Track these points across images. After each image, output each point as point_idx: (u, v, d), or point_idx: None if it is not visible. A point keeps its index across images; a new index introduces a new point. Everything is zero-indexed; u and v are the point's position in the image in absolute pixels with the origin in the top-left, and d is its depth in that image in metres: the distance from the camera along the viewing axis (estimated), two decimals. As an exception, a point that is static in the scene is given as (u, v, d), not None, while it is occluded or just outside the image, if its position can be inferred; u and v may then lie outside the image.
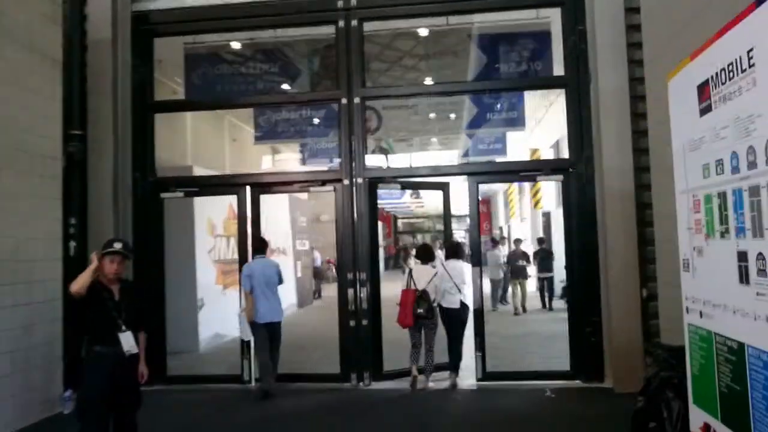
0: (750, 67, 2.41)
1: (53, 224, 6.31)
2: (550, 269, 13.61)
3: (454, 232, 34.33)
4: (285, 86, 8.38)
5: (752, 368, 2.49)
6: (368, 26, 7.29)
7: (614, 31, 6.39)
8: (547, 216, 17.21)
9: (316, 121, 8.63)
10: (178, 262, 9.01)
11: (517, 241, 12.78)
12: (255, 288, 6.59)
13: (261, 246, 7.01)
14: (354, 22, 7.11)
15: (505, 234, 22.58)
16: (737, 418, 2.67)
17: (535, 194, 18.27)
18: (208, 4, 7.36)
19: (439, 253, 8.71)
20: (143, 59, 7.47)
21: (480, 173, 7.39)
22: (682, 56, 3.43)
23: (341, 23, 7.15)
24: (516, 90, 7.85)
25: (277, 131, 8.96)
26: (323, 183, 7.39)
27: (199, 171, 9.11)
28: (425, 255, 7.06)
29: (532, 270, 13.22)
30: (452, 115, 11.99)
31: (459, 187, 20.87)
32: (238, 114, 13.28)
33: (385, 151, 15.12)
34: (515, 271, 12.25)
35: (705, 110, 2.98)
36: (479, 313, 7.00)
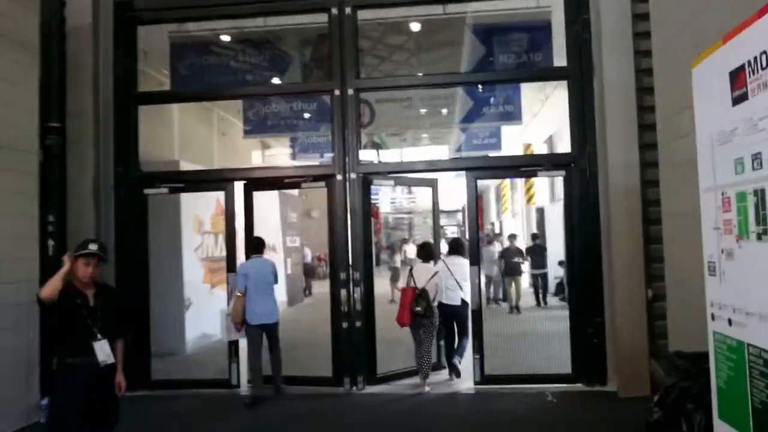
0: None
1: (29, 222, 5.96)
2: (543, 266, 13.45)
3: (444, 228, 33.96)
4: (275, 78, 8.06)
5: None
6: (363, 14, 6.97)
7: (620, 20, 6.12)
8: (540, 212, 17.02)
9: (307, 114, 8.33)
10: (163, 260, 8.70)
11: (512, 237, 12.47)
12: (250, 288, 6.40)
13: (259, 245, 6.81)
14: (348, 10, 6.80)
15: (497, 230, 22.39)
16: (776, 438, 2.42)
17: (528, 190, 18.07)
18: (194, -10, 7.03)
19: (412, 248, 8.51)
20: (126, 48, 7.11)
21: (478, 168, 7.10)
22: (696, 45, 3.17)
23: (334, 11, 6.84)
24: (516, 81, 7.58)
25: (267, 125, 8.65)
26: (315, 178, 7.08)
27: (186, 166, 8.76)
28: (426, 253, 6.88)
29: (526, 267, 12.97)
30: (445, 111, 11.73)
31: (449, 183, 20.68)
32: (227, 107, 12.92)
33: (377, 147, 14.81)
34: (510, 268, 11.92)
35: (739, 99, 2.70)
36: (478, 314, 6.73)
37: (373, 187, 7.03)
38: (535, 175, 6.78)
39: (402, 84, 7.44)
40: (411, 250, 17.34)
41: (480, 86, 8.27)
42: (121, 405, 4.02)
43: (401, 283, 6.80)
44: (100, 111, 6.79)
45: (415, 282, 6.57)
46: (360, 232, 6.81)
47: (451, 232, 37.46)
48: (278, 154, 15.51)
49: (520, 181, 20.81)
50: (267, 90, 7.54)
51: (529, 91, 10.73)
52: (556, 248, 14.57)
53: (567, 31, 6.66)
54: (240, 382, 6.90)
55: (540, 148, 15.46)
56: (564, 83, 11.37)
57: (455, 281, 6.80)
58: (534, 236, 14.37)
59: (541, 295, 13.06)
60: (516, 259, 11.95)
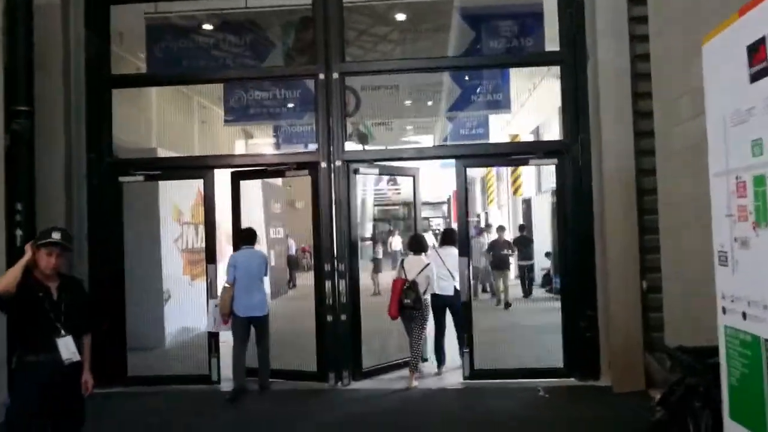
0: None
1: (-6, 210, 5.63)
2: (530, 257, 13.31)
3: (430, 219, 33.67)
4: (257, 63, 7.74)
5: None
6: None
7: (616, 4, 5.90)
8: (527, 203, 16.88)
9: (290, 101, 8.02)
10: (140, 251, 8.39)
11: (501, 229, 12.25)
12: (238, 280, 6.26)
13: (249, 236, 6.63)
14: (333, -10, 6.52)
15: (483, 222, 22.23)
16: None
17: (514, 181, 17.90)
18: (170, -33, 6.69)
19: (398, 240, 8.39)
20: (99, 28, 6.74)
21: (468, 156, 6.88)
22: (698, 27, 2.95)
23: (319, -10, 6.55)
24: (507, 66, 7.33)
25: (249, 113, 8.32)
26: (299, 166, 6.81)
27: (164, 154, 8.44)
28: (417, 245, 6.73)
29: (513, 259, 12.79)
30: (430, 102, 11.49)
31: (435, 173, 20.43)
32: (208, 94, 12.55)
33: (363, 137, 14.51)
34: (498, 261, 11.63)
35: (759, 75, 2.49)
36: (467, 307, 6.53)
37: (358, 177, 6.79)
38: (527, 164, 6.57)
39: (389, 68, 7.16)
40: (397, 241, 17.13)
41: (469, 73, 8.04)
42: (95, 402, 3.76)
43: (384, 275, 6.65)
44: (71, 94, 6.45)
45: (405, 274, 6.43)
46: (345, 223, 6.56)
47: (437, 224, 37.37)
48: (261, 144, 15.18)
49: (506, 172, 20.63)
50: (248, 73, 7.22)
51: (516, 81, 10.51)
52: (542, 239, 14.48)
53: (560, 14, 6.43)
54: (221, 378, 6.63)
55: (527, 139, 15.28)
56: (553, 72, 11.23)
57: (448, 271, 6.68)
58: (521, 227, 14.24)
59: (527, 287, 12.92)
60: (504, 252, 11.69)
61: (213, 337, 6.62)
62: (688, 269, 4.82)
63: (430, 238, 10.97)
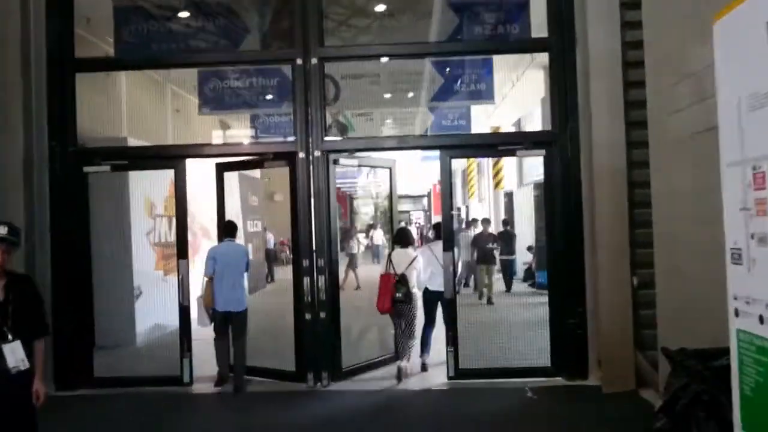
0: None
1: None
2: (512, 252, 13.13)
3: (410, 213, 33.46)
4: (232, 48, 7.36)
5: None
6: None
7: (607, -12, 5.67)
8: (509, 196, 16.71)
9: (268, 90, 7.66)
10: (109, 245, 8.06)
11: (485, 222, 11.99)
12: (218, 273, 6.17)
13: (230, 229, 6.56)
14: (311, -30, 6.18)
15: (463, 215, 22.08)
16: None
17: (496, 174, 17.71)
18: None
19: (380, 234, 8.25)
20: (61, 8, 6.32)
21: (453, 147, 6.60)
22: (696, 9, 2.70)
23: (296, -29, 6.21)
24: (492, 53, 7.05)
25: (225, 101, 7.93)
26: (276, 157, 6.48)
27: (135, 144, 8.04)
28: (403, 239, 6.71)
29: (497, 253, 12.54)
30: (411, 94, 11.20)
31: (415, 166, 20.13)
32: (182, 83, 12.06)
33: (343, 128, 14.17)
34: (483, 255, 11.34)
35: (782, 53, 2.24)
36: (452, 304, 6.28)
37: (338, 170, 6.49)
38: (514, 155, 6.32)
39: (370, 53, 6.83)
40: (378, 235, 16.83)
41: (451, 63, 7.74)
42: (58, 406, 3.41)
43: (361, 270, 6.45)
44: (30, 78, 6.06)
45: (394, 268, 6.37)
46: (324, 216, 6.25)
47: (417, 217, 37.18)
48: (238, 136, 14.74)
49: (487, 166, 20.47)
50: (222, 58, 6.83)
51: (499, 72, 10.28)
52: (524, 233, 14.33)
53: (548, -1, 6.18)
54: (193, 379, 6.30)
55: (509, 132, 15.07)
56: (537, 63, 11.00)
57: (441, 266, 6.45)
58: (505, 222, 14.06)
59: (508, 281, 12.73)
60: (490, 246, 11.39)
61: (185, 336, 6.30)
62: (684, 264, 4.61)
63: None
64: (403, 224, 9.67)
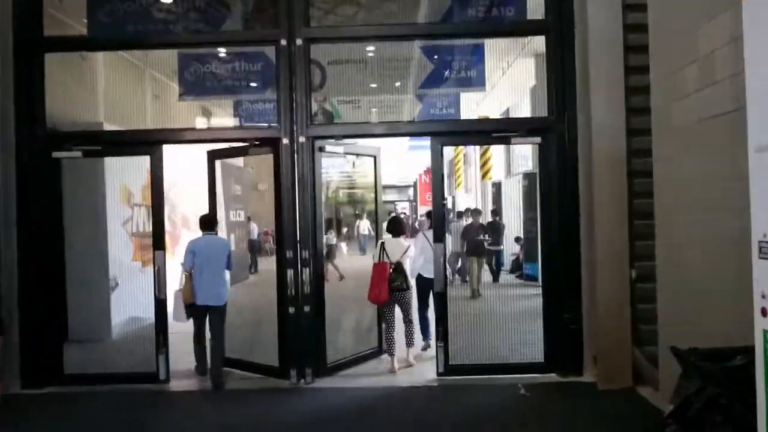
0: None
1: None
2: (500, 242, 12.91)
3: (396, 203, 33.18)
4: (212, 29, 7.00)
5: None
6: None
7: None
8: (497, 186, 16.50)
9: (252, 75, 7.32)
10: (83, 235, 7.77)
11: (476, 213, 11.69)
12: (197, 267, 5.99)
13: (210, 222, 6.37)
14: (295, -56, 5.84)
15: (450, 206, 21.84)
16: None
17: (484, 164, 17.49)
18: None
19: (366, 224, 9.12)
20: (29, -17, 5.93)
21: (445, 133, 6.33)
22: None
23: (279, -55, 5.86)
24: (486, 36, 6.78)
25: (206, 86, 7.58)
26: (258, 143, 6.17)
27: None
28: (396, 228, 6.68)
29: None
30: (398, 83, 10.89)
31: (401, 156, 19.80)
32: (162, 68, 11.64)
33: (328, 116, 13.84)
34: (474, 246, 10.98)
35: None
36: (443, 297, 6.03)
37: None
38: (509, 142, 6.06)
39: (358, 35, 6.50)
40: (364, 225, 16.52)
41: (442, 48, 7.46)
42: (23, 405, 3.10)
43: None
44: (-6, 57, 5.67)
45: (388, 256, 6.31)
46: (309, 205, 5.96)
47: (402, 207, 36.91)
48: (222, 124, 14.35)
49: (474, 156, 20.24)
50: (201, 39, 6.47)
51: (488, 60, 10.02)
52: (512, 224, 14.13)
53: (546, -23, 5.90)
54: (169, 376, 6.00)
55: (497, 122, 14.84)
56: (528, 51, 10.71)
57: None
58: (494, 212, 13.85)
59: (496, 272, 12.49)
60: (480, 237, 11.05)
61: (161, 332, 5.99)
62: (687, 257, 4.39)
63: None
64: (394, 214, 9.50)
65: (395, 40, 6.57)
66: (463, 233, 10.93)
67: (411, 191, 35.95)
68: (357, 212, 19.82)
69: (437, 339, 6.00)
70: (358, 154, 7.10)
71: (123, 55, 10.51)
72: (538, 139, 5.91)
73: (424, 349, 6.87)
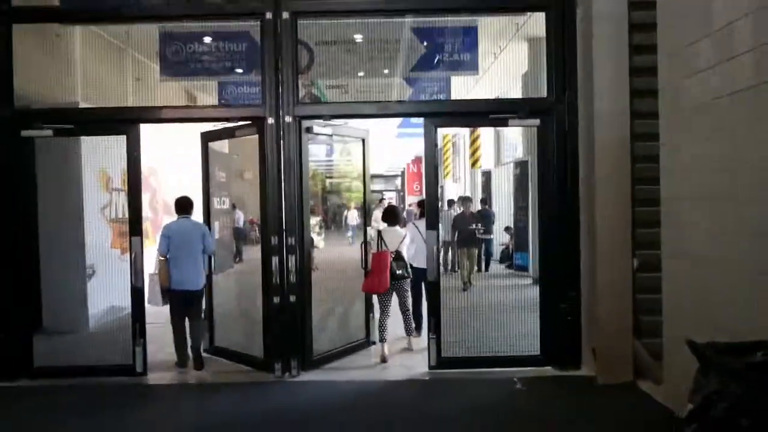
0: None
1: None
2: (489, 231, 12.67)
3: (383, 193, 32.83)
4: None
5: None
6: None
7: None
8: (487, 175, 16.28)
9: (236, 55, 6.97)
10: (59, 221, 7.52)
11: (467, 201, 11.37)
12: (172, 251, 5.95)
13: (184, 206, 6.26)
14: None
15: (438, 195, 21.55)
16: None
17: (474, 152, 17.24)
18: None
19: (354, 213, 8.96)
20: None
21: (439, 114, 6.05)
22: None
23: None
24: (483, 12, 6.55)
25: (189, 67, 7.23)
26: (242, 122, 5.84)
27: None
28: (393, 217, 6.73)
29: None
30: (387, 70, 10.57)
31: (389, 143, 19.46)
32: (144, 49, 11.23)
33: (316, 99, 13.50)
34: (465, 237, 10.57)
35: None
36: (436, 288, 5.75)
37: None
38: (506, 124, 5.77)
39: (347, 8, 6.13)
40: (353, 215, 16.21)
41: (433, 26, 7.16)
42: None
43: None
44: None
45: (386, 245, 6.34)
46: (296, 189, 5.65)
47: (389, 198, 36.60)
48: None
49: (463, 144, 19.97)
50: (180, 11, 6.09)
51: (480, 44, 9.75)
52: (502, 213, 13.93)
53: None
54: (147, 368, 5.68)
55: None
56: (522, 35, 10.38)
57: (425, 243, 6.24)
58: (483, 201, 13.61)
59: (483, 263, 12.25)
60: (472, 227, 10.71)
61: (138, 322, 5.67)
62: (696, 246, 4.15)
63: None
64: (387, 203, 9.32)
65: (386, 15, 6.20)
66: (454, 223, 10.60)
67: (398, 181, 35.64)
68: (344, 201, 19.44)
69: (429, 330, 5.73)
70: (346, 136, 6.76)
71: (102, 35, 10.08)
72: (536, 121, 5.63)
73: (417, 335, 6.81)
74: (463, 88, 12.51)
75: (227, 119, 6.01)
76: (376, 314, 6.66)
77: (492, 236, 12.99)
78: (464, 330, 6.56)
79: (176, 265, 5.92)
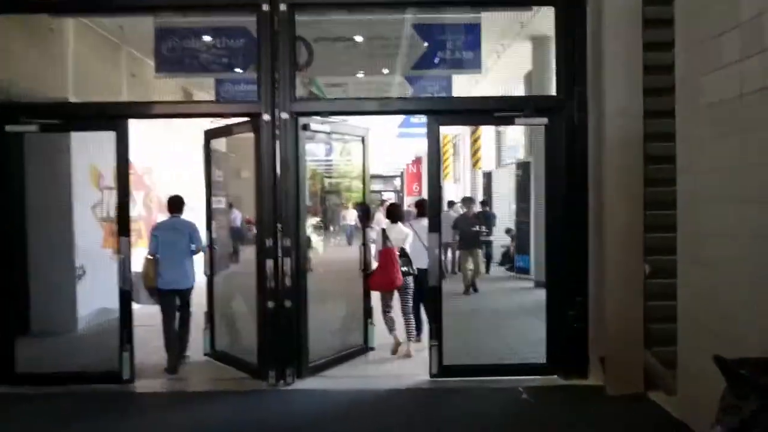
0: None
1: None
2: (490, 233, 12.43)
3: (382, 194, 32.65)
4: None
5: None
6: None
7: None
8: (488, 176, 16.07)
9: (232, 51, 6.74)
10: (48, 219, 7.31)
11: (468, 202, 11.13)
12: (161, 251, 5.91)
13: (176, 205, 6.26)
14: None
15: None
16: None
17: (475, 153, 17.03)
18: None
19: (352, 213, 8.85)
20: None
21: (442, 112, 5.78)
22: None
23: None
24: (489, 5, 6.25)
25: (184, 62, 6.99)
26: (239, 120, 5.60)
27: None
28: (397, 215, 6.73)
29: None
30: (386, 70, 10.34)
31: (388, 143, 19.23)
32: (140, 45, 10.99)
33: (315, 98, 13.28)
34: (468, 239, 10.24)
35: None
36: (437, 293, 5.51)
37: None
38: (512, 123, 5.52)
39: (349, 0, 5.90)
40: (351, 215, 15.97)
41: (435, 23, 6.93)
42: None
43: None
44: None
45: (391, 243, 6.32)
46: (292, 189, 5.40)
47: (388, 198, 36.35)
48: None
49: (463, 145, 19.75)
50: (174, 1, 5.85)
51: (483, 43, 9.55)
52: (502, 216, 13.71)
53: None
54: (134, 375, 5.43)
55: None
56: (526, 34, 10.19)
57: (422, 243, 6.41)
58: (483, 202, 13.38)
59: (484, 265, 12.00)
60: (475, 229, 10.37)
61: (125, 327, 5.41)
62: (716, 251, 3.91)
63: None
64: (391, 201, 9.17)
65: (387, 8, 5.96)
66: (456, 224, 10.31)
67: (398, 181, 35.36)
68: (342, 201, 19.18)
69: (430, 337, 5.49)
70: (345, 134, 6.52)
71: (97, 30, 9.84)
72: (544, 120, 5.38)
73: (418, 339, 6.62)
74: (464, 88, 12.29)
75: (221, 115, 5.79)
76: (375, 320, 6.44)
77: (492, 238, 12.78)
78: (466, 336, 6.33)
79: (164, 264, 5.88)
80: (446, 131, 17.86)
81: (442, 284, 5.55)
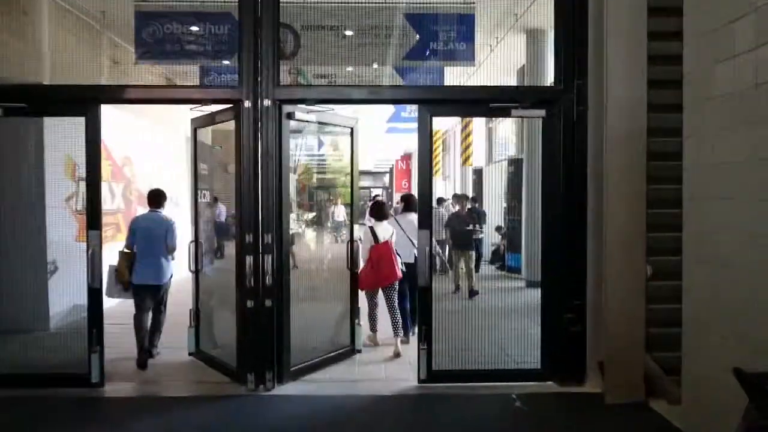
0: None
1: None
2: (480, 231, 12.16)
3: (370, 190, 32.43)
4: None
5: None
6: None
7: None
8: (478, 173, 15.82)
9: (216, 36, 6.42)
10: (17, 211, 6.88)
11: (461, 199, 10.74)
12: (138, 245, 5.90)
13: (156, 199, 6.25)
14: None
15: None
16: None
17: (465, 149, 16.76)
18: None
19: (341, 210, 8.95)
20: None
21: (436, 101, 5.48)
22: None
23: None
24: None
25: (165, 49, 6.67)
26: (215, 104, 5.28)
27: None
28: (381, 212, 6.68)
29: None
30: (376, 65, 10.02)
31: (378, 139, 18.93)
32: (122, 32, 10.60)
33: (300, 85, 12.97)
34: (461, 239, 9.76)
35: None
36: (426, 293, 5.22)
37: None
38: (509, 114, 5.22)
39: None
40: (340, 211, 15.65)
41: (428, 13, 6.67)
42: None
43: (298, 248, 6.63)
44: None
45: (379, 240, 6.35)
46: (275, 182, 5.08)
47: (376, 194, 36.06)
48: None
49: (453, 142, 19.49)
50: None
51: (477, 35, 9.26)
52: (493, 213, 13.46)
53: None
54: (104, 378, 5.09)
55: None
56: (520, 26, 9.89)
57: (408, 239, 6.58)
58: (473, 199, 13.09)
59: (476, 262, 11.71)
60: (468, 227, 9.96)
61: (94, 327, 5.07)
62: (727, 252, 3.66)
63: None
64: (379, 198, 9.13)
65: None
66: (448, 222, 9.95)
67: (386, 178, 35.07)
68: (330, 197, 18.82)
69: (419, 340, 5.20)
70: (333, 124, 6.20)
71: (79, 15, 9.44)
72: (542, 112, 5.10)
73: (403, 342, 6.42)
74: (457, 80, 11.95)
75: (200, 101, 5.42)
76: (362, 321, 6.16)
77: (482, 235, 12.52)
78: (456, 338, 6.04)
79: (140, 259, 5.85)
80: (437, 126, 17.58)
81: (432, 285, 5.25)
